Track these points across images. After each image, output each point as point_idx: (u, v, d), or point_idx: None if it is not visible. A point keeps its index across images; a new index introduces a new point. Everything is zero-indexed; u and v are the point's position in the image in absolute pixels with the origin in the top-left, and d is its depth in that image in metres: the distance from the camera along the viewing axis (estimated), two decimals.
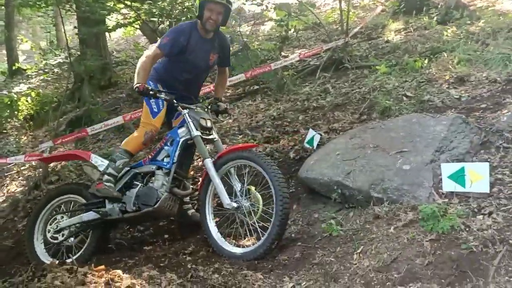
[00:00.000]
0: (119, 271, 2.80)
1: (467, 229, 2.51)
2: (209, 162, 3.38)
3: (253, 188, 3.37)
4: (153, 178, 3.60)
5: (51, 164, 5.97)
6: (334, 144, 3.96)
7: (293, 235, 3.39)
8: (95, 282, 2.59)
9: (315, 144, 4.41)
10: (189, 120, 3.51)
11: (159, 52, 3.55)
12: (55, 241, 3.76)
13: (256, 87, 6.76)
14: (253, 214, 3.26)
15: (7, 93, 8.34)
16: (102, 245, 3.71)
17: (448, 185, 2.93)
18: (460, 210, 2.68)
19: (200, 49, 3.66)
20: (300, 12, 7.41)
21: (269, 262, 3.05)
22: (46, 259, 3.69)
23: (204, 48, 3.69)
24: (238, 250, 3.27)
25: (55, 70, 9.90)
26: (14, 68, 11.86)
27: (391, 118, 4.14)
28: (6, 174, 6.30)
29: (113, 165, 3.61)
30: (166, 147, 3.62)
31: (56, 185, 5.32)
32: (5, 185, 6.00)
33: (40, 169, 5.81)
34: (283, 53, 7.51)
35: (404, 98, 4.59)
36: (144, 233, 4.09)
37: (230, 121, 5.89)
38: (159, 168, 3.60)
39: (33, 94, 8.35)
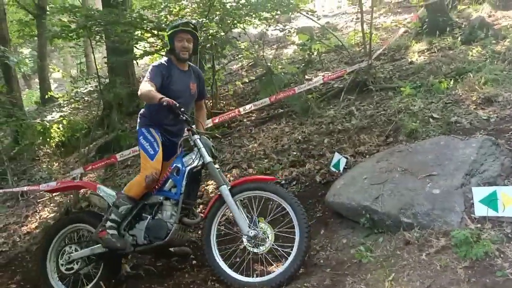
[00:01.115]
0: None
1: (501, 255, 2.45)
2: (225, 189, 3.36)
3: (263, 219, 3.42)
4: (161, 208, 3.58)
5: (81, 191, 6.12)
6: (361, 168, 3.94)
7: (321, 261, 3.36)
8: None
9: (341, 167, 4.40)
10: (201, 146, 3.50)
11: (151, 84, 3.50)
12: (71, 272, 3.75)
13: (280, 110, 6.81)
14: (264, 244, 3.29)
15: (40, 121, 8.63)
16: (114, 274, 3.69)
17: (480, 210, 2.87)
18: (494, 236, 2.62)
19: (182, 80, 3.74)
20: (322, 35, 7.49)
21: None
22: None
23: (184, 79, 3.77)
24: (247, 279, 3.25)
25: (86, 98, 10.22)
26: (46, 96, 12.30)
27: (418, 141, 4.09)
28: (38, 200, 6.48)
29: (116, 211, 3.56)
30: (172, 177, 3.58)
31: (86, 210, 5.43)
32: (38, 211, 6.17)
33: (71, 195, 5.96)
34: (306, 76, 7.57)
35: (431, 120, 4.54)
36: (172, 260, 4.10)
37: (256, 145, 5.94)
38: (166, 198, 3.58)
39: (64, 121, 8.63)
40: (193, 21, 3.76)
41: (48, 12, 12.12)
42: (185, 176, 3.51)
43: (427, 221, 3.02)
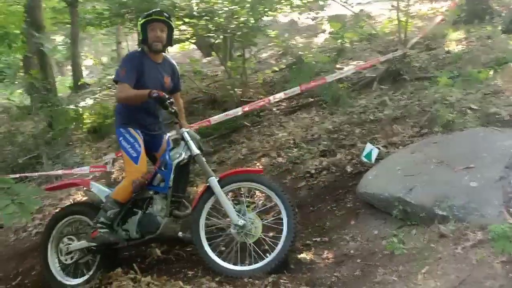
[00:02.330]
0: (180, 282, 2.89)
1: None
2: (214, 180, 3.37)
3: (250, 210, 3.49)
4: (152, 202, 3.60)
5: (114, 175, 6.25)
6: (394, 159, 3.88)
7: (352, 251, 3.33)
8: None
9: (373, 158, 4.32)
10: (189, 139, 3.50)
11: (127, 85, 3.43)
12: (70, 262, 3.83)
13: (310, 99, 6.73)
14: (253, 234, 3.33)
15: (73, 107, 8.83)
16: (111, 264, 3.67)
17: None
18: None
19: (155, 73, 3.63)
20: (355, 23, 7.34)
21: (328, 279, 3.01)
22: (63, 279, 3.82)
23: (158, 72, 3.66)
24: (238, 268, 3.30)
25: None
26: (79, 83, 12.58)
27: (455, 132, 3.98)
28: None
29: (104, 215, 3.56)
30: (160, 172, 3.59)
31: None
32: (71, 194, 6.32)
33: (103, 180, 6.09)
34: (338, 65, 7.45)
35: (468, 111, 4.40)
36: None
37: (285, 134, 5.90)
38: (156, 192, 3.60)
39: (96, 107, 8.81)
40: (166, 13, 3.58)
41: (81, 0, 12.34)
42: (172, 170, 3.49)
43: (463, 214, 2.95)
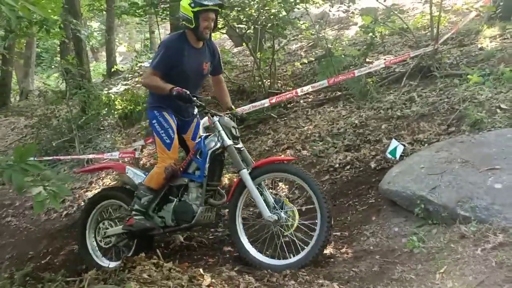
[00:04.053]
0: (201, 270, 2.96)
1: None
2: (245, 173, 3.32)
3: (287, 200, 3.40)
4: (187, 190, 3.59)
5: (143, 160, 6.43)
6: (419, 157, 3.86)
7: (371, 247, 3.36)
8: (178, 278, 2.75)
9: (397, 155, 4.31)
10: (220, 128, 3.43)
11: (156, 73, 3.46)
12: (109, 246, 3.91)
13: (338, 93, 6.71)
14: (289, 227, 3.29)
15: (106, 92, 9.07)
16: (147, 249, 3.70)
17: None
18: None
19: (194, 60, 3.56)
20: (387, 17, 7.22)
21: (346, 273, 3.04)
22: (101, 260, 3.92)
23: (198, 58, 3.60)
24: (275, 262, 3.28)
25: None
26: (112, 69, 12.87)
27: (483, 132, 3.92)
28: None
29: (139, 202, 3.58)
30: (195, 160, 3.56)
31: None
32: (101, 178, 6.54)
33: (132, 165, 6.27)
34: (367, 59, 7.37)
35: (498, 111, 4.31)
36: (224, 234, 4.23)
37: (311, 127, 5.92)
38: (191, 180, 3.58)
39: (128, 94, 9.01)
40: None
41: None
42: (207, 159, 3.47)
43: (485, 215, 2.94)
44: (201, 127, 3.96)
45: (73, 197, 5.94)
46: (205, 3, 3.36)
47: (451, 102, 4.99)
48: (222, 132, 3.43)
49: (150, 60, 3.66)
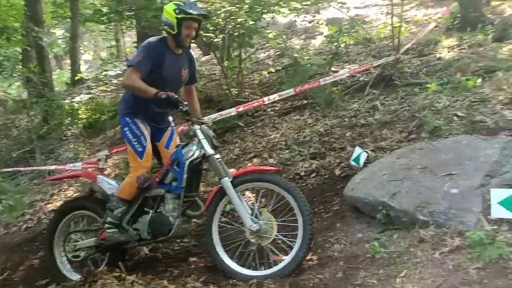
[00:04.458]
0: (165, 281, 2.93)
1: None
2: (227, 181, 3.25)
3: (265, 210, 3.37)
4: (164, 201, 3.48)
5: (106, 172, 6.30)
6: (380, 164, 3.94)
7: (336, 253, 3.39)
8: None
9: (361, 162, 4.40)
10: (202, 137, 3.36)
11: (139, 73, 3.31)
12: (78, 259, 3.75)
13: (304, 101, 6.80)
14: (267, 236, 3.26)
15: (69, 102, 8.87)
16: (121, 261, 3.61)
17: (498, 212, 2.85)
18: (510, 238, 2.60)
19: (174, 65, 3.51)
20: (351, 27, 7.39)
21: (311, 280, 3.06)
22: (71, 275, 3.75)
23: (177, 64, 3.54)
24: (254, 273, 3.23)
25: (114, 81, 10.43)
26: (76, 78, 12.59)
27: (441, 139, 4.05)
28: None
29: (111, 214, 3.47)
30: (172, 170, 3.45)
31: None
32: (63, 190, 6.37)
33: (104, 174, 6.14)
34: (332, 68, 7.52)
35: (455, 118, 4.47)
36: (189, 244, 4.19)
37: (278, 135, 5.97)
38: (168, 191, 3.47)
39: (92, 103, 8.85)
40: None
41: None
42: (185, 169, 3.37)
43: (443, 220, 3.03)
44: (173, 130, 3.85)
45: (34, 210, 5.76)
46: (190, 11, 3.33)
47: (411, 110, 5.14)
48: (204, 141, 3.36)
49: (129, 60, 3.47)
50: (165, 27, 3.45)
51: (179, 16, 3.33)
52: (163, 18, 3.46)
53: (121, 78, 9.55)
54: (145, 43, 3.48)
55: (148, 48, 3.40)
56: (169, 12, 3.37)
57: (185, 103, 3.45)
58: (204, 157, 3.39)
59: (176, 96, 3.30)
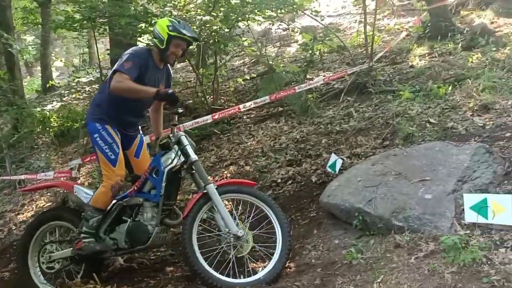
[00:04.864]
0: None
1: (489, 262, 2.49)
2: (213, 187, 3.23)
3: (241, 222, 3.38)
4: (142, 210, 3.43)
5: (80, 180, 6.17)
6: (356, 170, 3.98)
7: (313, 260, 3.40)
8: None
9: (337, 169, 4.44)
10: (186, 143, 3.35)
11: (128, 77, 3.25)
12: (52, 271, 3.67)
13: (280, 109, 6.84)
14: (246, 246, 3.26)
15: (40, 109, 8.66)
16: (97, 272, 3.55)
17: (470, 216, 2.91)
18: (482, 243, 2.66)
19: (155, 78, 3.51)
20: (325, 35, 7.49)
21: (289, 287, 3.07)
22: (44, 287, 3.67)
23: (157, 78, 3.55)
24: (236, 281, 3.18)
25: (87, 88, 10.24)
26: (48, 85, 12.32)
27: (414, 145, 4.13)
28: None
29: (86, 224, 3.41)
30: (151, 179, 3.42)
31: None
32: (34, 200, 6.21)
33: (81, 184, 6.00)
34: (307, 76, 7.59)
35: (428, 125, 4.58)
36: (166, 254, 4.14)
37: (254, 142, 5.98)
38: (146, 200, 3.43)
39: (64, 111, 8.66)
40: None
41: (53, 1, 12.13)
42: (164, 177, 3.34)
43: (418, 225, 3.07)
44: (142, 138, 3.81)
45: (4, 221, 5.58)
46: (183, 31, 3.37)
47: (385, 117, 5.23)
48: (189, 147, 3.34)
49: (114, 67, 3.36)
50: (155, 39, 3.46)
51: (172, 33, 3.35)
52: (154, 31, 3.47)
53: (95, 86, 9.43)
54: (132, 51, 3.45)
55: (137, 56, 3.38)
56: (162, 26, 3.40)
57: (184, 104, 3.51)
58: (184, 165, 3.37)
59: (175, 92, 3.28)
